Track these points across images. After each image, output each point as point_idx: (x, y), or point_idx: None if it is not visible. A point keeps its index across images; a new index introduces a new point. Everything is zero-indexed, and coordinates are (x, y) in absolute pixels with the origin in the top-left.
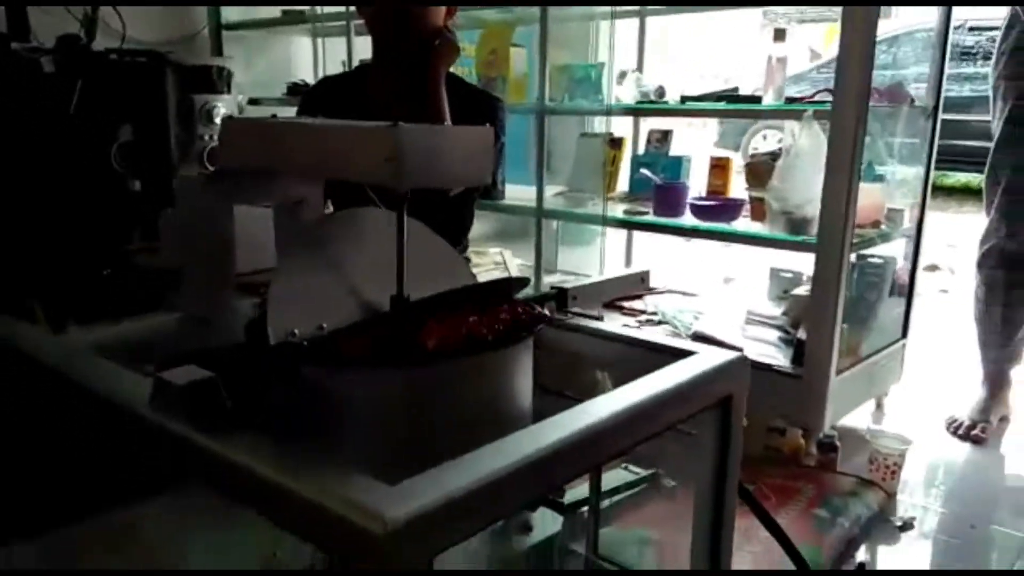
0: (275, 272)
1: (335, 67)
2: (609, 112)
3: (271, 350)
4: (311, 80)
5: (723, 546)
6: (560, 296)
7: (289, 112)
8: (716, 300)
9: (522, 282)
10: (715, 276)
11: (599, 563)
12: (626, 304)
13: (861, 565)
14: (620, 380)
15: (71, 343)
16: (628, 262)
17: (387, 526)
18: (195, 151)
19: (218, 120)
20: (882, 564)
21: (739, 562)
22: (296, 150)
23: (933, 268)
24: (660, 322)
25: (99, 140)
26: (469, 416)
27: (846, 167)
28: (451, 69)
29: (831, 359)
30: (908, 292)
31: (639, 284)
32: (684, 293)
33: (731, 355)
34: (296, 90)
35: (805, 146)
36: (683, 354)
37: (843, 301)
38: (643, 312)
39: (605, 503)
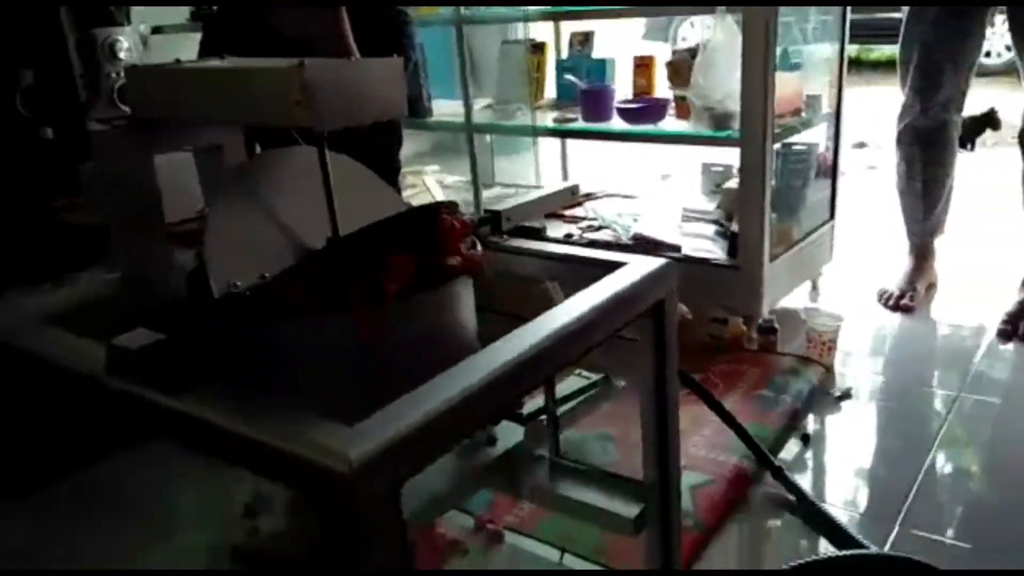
0: (207, 224)
1: None
2: (527, 19)
3: (216, 305)
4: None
5: (670, 436)
6: (494, 219)
7: (196, 39)
8: (654, 200)
9: (450, 206)
10: (652, 174)
11: (563, 463)
12: (567, 212)
13: (805, 436)
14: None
15: (15, 313)
16: (564, 168)
17: (352, 464)
18: (105, 89)
19: (123, 55)
20: (825, 430)
21: (693, 446)
22: (204, 97)
23: (861, 145)
24: (601, 227)
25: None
26: (420, 350)
27: (760, 60)
28: None
29: (763, 247)
30: (833, 174)
31: (570, 197)
32: (622, 196)
33: (658, 263)
34: (198, 15)
35: (721, 41)
36: (615, 266)
37: (770, 192)
38: (584, 219)
39: (562, 409)
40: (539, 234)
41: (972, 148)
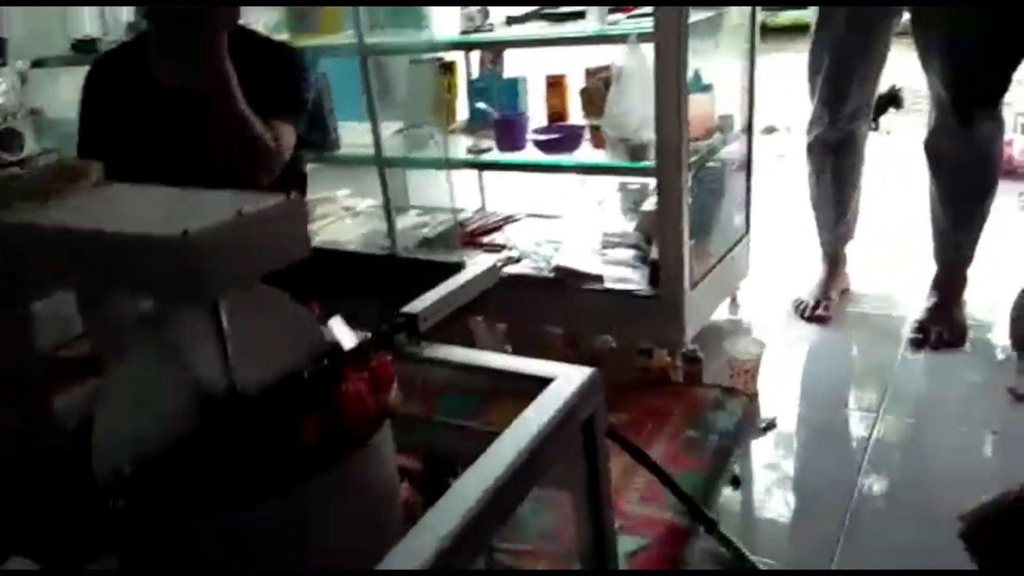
0: (98, 402)
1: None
2: (434, 48)
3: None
4: (96, 32)
5: (606, 538)
6: (409, 323)
7: (79, 73)
8: (573, 221)
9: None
10: (571, 192)
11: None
12: (485, 239)
13: (735, 479)
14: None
15: None
16: (481, 189)
17: None
18: None
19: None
20: (754, 469)
21: (628, 502)
22: (78, 264)
23: (770, 130)
24: (521, 258)
25: None
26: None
27: (673, 85)
28: None
29: (683, 277)
30: (747, 188)
31: (493, 277)
32: (542, 216)
33: (586, 374)
34: (81, 46)
35: (634, 69)
36: (542, 381)
37: (687, 221)
38: (503, 247)
39: None
40: (458, 269)
41: (876, 128)
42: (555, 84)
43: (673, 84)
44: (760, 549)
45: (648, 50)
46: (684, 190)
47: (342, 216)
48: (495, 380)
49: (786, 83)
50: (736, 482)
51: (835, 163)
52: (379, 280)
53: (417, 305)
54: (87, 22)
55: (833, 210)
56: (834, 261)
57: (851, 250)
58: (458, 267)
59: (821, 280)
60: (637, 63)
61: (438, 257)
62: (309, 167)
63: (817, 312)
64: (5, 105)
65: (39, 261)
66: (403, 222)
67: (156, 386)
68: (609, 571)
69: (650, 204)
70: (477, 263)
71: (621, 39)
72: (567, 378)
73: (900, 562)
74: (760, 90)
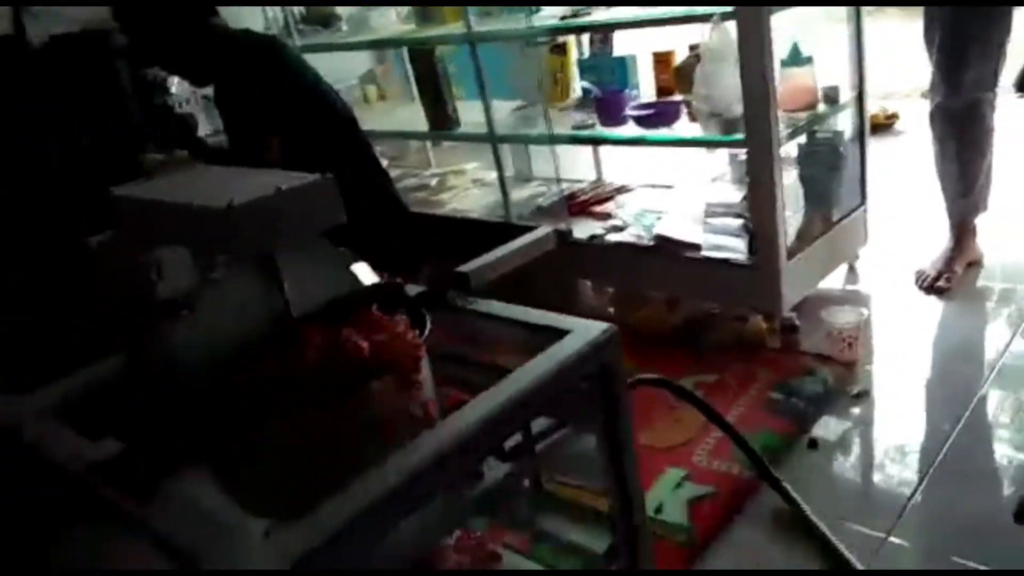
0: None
1: None
2: (534, 33)
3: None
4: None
5: (629, 482)
6: (461, 279)
7: None
8: (686, 192)
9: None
10: (686, 165)
11: (543, 495)
12: (596, 209)
13: (812, 441)
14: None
15: (31, 403)
16: (597, 161)
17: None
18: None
19: (173, 89)
20: (834, 434)
21: (697, 455)
22: (154, 228)
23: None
24: (624, 226)
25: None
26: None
27: (759, 62)
28: None
29: (779, 247)
30: (861, 159)
31: (546, 244)
32: (658, 186)
33: (600, 329)
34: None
35: (718, 47)
36: (561, 333)
37: (782, 193)
38: (610, 216)
39: (540, 445)
40: (563, 237)
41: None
42: (662, 61)
43: (757, 60)
44: (825, 511)
45: (734, 27)
46: (776, 163)
47: (469, 187)
48: (529, 332)
49: (897, 52)
50: (813, 444)
51: (958, 132)
52: (492, 244)
53: (469, 265)
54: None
55: (958, 180)
56: (960, 233)
57: (984, 221)
58: (564, 234)
59: (945, 251)
60: (722, 41)
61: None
62: (438, 145)
63: (937, 284)
64: (180, 93)
65: (140, 225)
66: (523, 192)
67: (229, 318)
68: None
69: None
70: (531, 232)
71: (706, 19)
72: (582, 331)
73: (962, 535)
74: (871, 62)
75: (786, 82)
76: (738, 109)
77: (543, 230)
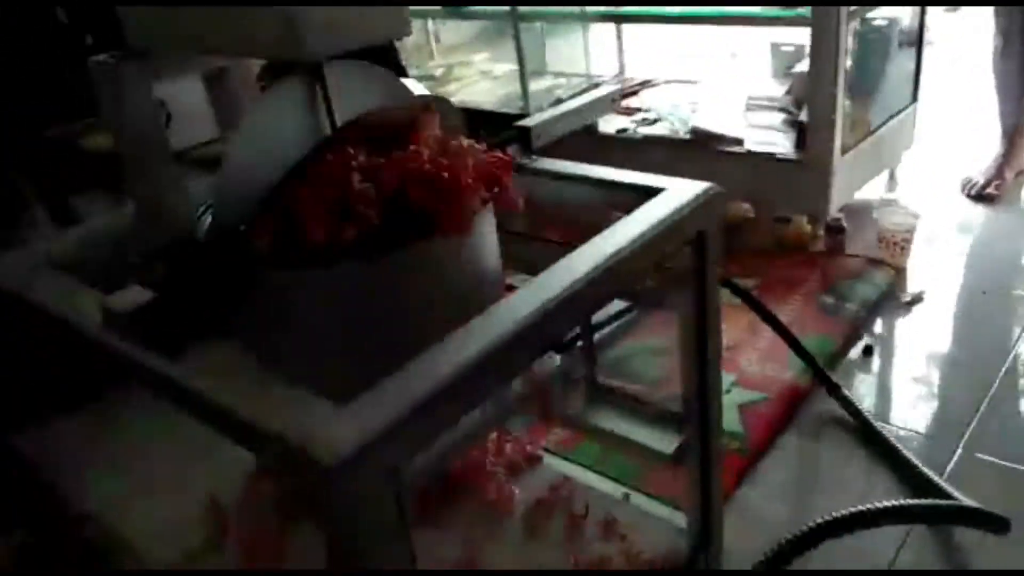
0: (220, 163)
1: None
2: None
3: (208, 255)
4: None
5: (710, 368)
6: (522, 136)
7: None
8: (716, 85)
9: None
10: (716, 54)
11: (600, 390)
12: (622, 103)
13: (868, 347)
14: (592, 224)
15: (28, 257)
16: (620, 52)
17: (338, 457)
18: None
19: None
20: (890, 341)
21: (747, 360)
22: (201, 31)
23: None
24: (656, 120)
25: None
26: (427, 303)
27: None
28: None
29: (834, 140)
30: (918, 50)
31: (610, 105)
32: (683, 81)
33: (702, 187)
34: None
35: None
36: (652, 192)
37: (843, 79)
38: (639, 110)
39: (598, 335)
40: (589, 129)
41: None
42: None
43: None
44: (888, 417)
45: None
46: (842, 45)
47: (478, 79)
48: (607, 191)
49: None
50: (868, 350)
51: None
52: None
53: (532, 120)
54: None
55: (1018, 79)
56: (1013, 138)
57: None
58: (589, 126)
59: (996, 157)
60: None
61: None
62: (443, 25)
63: (987, 191)
64: None
65: (168, 33)
66: (538, 84)
67: (276, 137)
68: None
69: (804, 65)
70: (596, 88)
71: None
72: (679, 191)
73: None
74: None
75: None
76: None
77: (608, 88)
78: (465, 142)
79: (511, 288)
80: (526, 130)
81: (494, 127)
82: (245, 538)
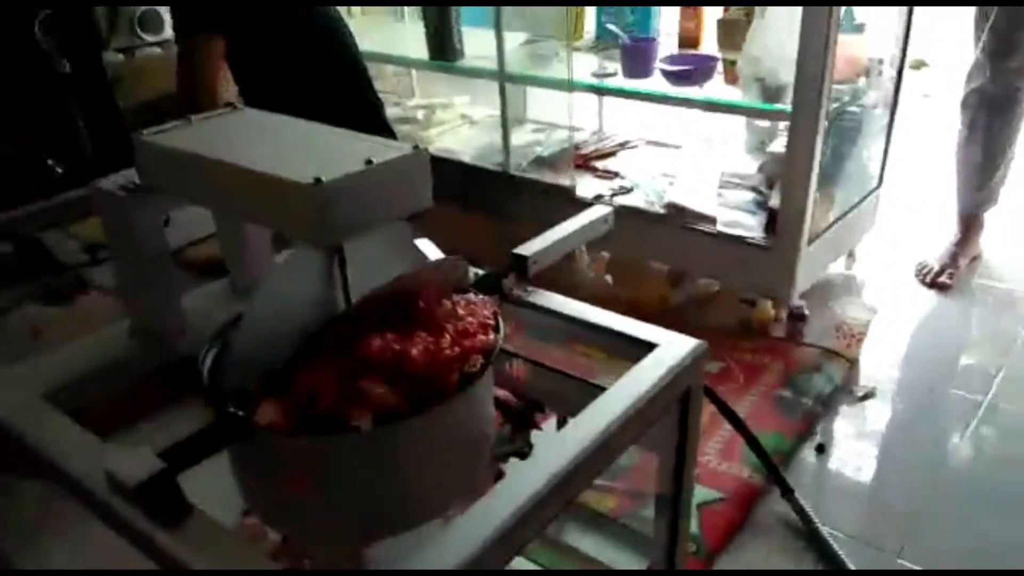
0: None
1: None
2: None
3: (220, 422)
4: None
5: (681, 506)
6: (518, 263)
7: None
8: (693, 156)
9: (455, 267)
10: (694, 123)
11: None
12: (599, 164)
13: (820, 446)
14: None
15: (17, 383)
16: (600, 114)
17: None
18: (124, 19)
19: None
20: (842, 438)
21: (706, 454)
22: (216, 191)
23: (919, 65)
24: (632, 189)
25: (20, 15)
26: (422, 477)
27: (822, 28)
28: None
29: (802, 232)
30: (887, 136)
31: (603, 226)
32: (662, 145)
33: (691, 345)
34: None
35: (778, 8)
36: (646, 346)
37: (816, 174)
38: (616, 175)
39: None
40: (568, 194)
41: None
42: (691, 9)
43: (823, 22)
44: (833, 520)
45: None
46: (818, 139)
47: (459, 124)
48: (599, 337)
49: (939, 18)
50: (821, 449)
51: (989, 120)
52: (491, 195)
53: (528, 248)
54: None
55: (978, 171)
56: (969, 226)
57: (991, 217)
58: (567, 190)
59: (951, 244)
60: None
61: (550, 179)
62: (429, 75)
63: (940, 279)
64: None
65: (181, 181)
66: (518, 137)
67: (285, 314)
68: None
69: (778, 145)
70: (591, 210)
71: None
72: (672, 346)
73: (964, 555)
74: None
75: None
76: (786, 76)
77: (602, 209)
78: (462, 301)
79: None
80: (523, 259)
81: (474, 182)
82: None
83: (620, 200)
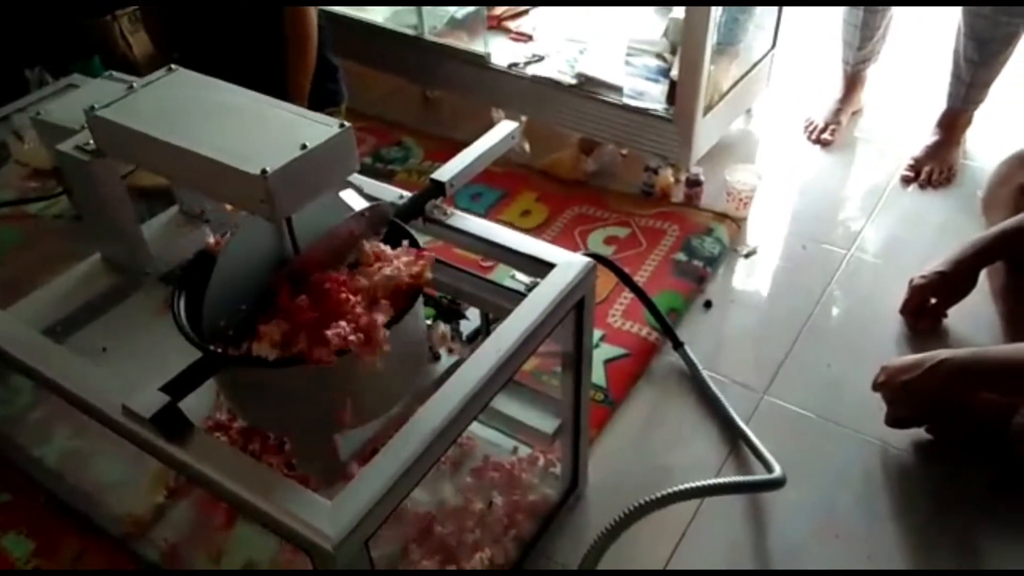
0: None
1: None
2: None
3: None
4: None
5: (583, 389)
6: (437, 188)
7: None
8: (606, 16)
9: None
10: None
11: None
12: (512, 26)
13: (708, 302)
14: None
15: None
16: None
17: (333, 542)
18: None
19: None
20: (726, 294)
21: (612, 315)
22: (170, 168)
23: None
24: (544, 58)
25: None
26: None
27: None
28: None
29: (697, 105)
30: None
31: (511, 140)
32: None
33: (582, 264)
34: None
35: None
36: (546, 264)
37: (710, 53)
38: (529, 38)
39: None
40: (482, 60)
41: None
42: None
43: None
44: (716, 366)
45: None
46: (712, 26)
47: None
48: (507, 256)
49: None
50: (708, 305)
51: None
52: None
53: (444, 173)
54: None
55: (859, 31)
56: (851, 83)
57: (872, 72)
58: (482, 57)
59: (835, 101)
60: None
61: (465, 44)
62: None
63: (823, 136)
64: None
65: (136, 155)
66: None
67: (246, 265)
68: None
69: (680, 11)
70: (498, 128)
71: None
72: (569, 266)
73: (822, 397)
74: None
75: None
76: None
77: (508, 125)
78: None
79: None
80: (441, 184)
81: (390, 45)
82: None
83: (533, 70)
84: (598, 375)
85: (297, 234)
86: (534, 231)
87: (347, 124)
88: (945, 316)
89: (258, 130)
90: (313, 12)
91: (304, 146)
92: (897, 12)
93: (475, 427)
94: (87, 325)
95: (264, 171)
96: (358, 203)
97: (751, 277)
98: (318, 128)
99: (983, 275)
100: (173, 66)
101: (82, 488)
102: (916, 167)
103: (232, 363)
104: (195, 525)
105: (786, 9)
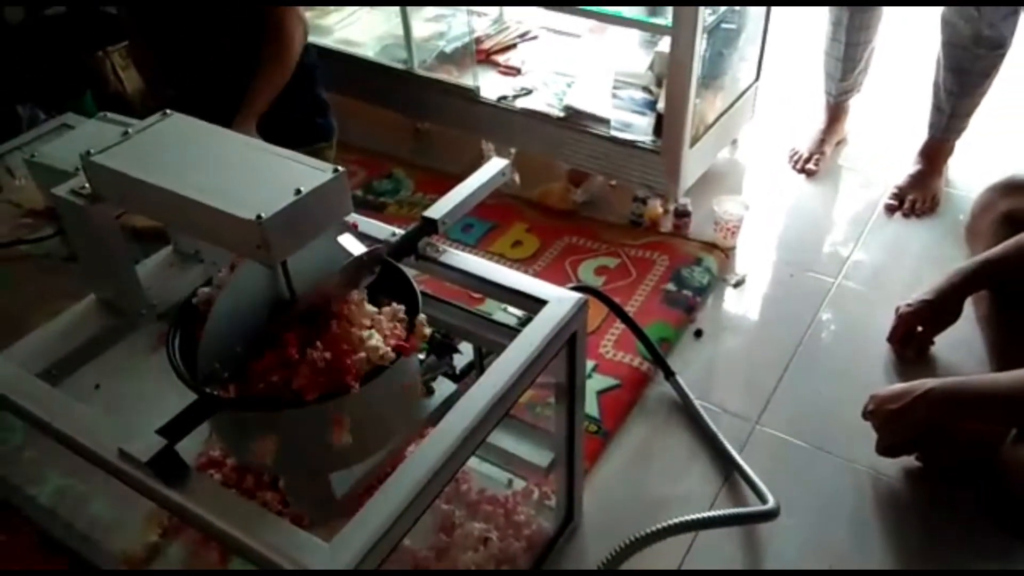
0: (207, 324)
1: None
2: None
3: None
4: None
5: (576, 420)
6: (429, 225)
7: None
8: (590, 49)
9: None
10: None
11: None
12: (501, 60)
13: (699, 331)
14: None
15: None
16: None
17: None
18: None
19: None
20: (716, 323)
21: (603, 346)
22: (167, 214)
23: None
24: (533, 91)
25: None
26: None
27: None
28: None
29: (684, 135)
30: (763, 38)
31: (501, 177)
32: (559, 32)
33: (574, 300)
34: None
35: None
36: (539, 302)
37: (695, 87)
38: (518, 72)
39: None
40: (472, 94)
41: None
42: None
43: None
44: (708, 396)
45: None
46: (697, 58)
47: (358, 9)
48: (500, 293)
49: None
50: (699, 334)
51: (851, 17)
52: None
53: (437, 211)
54: None
55: (841, 63)
56: (834, 114)
57: (855, 103)
58: (472, 91)
59: (818, 131)
60: None
61: (454, 78)
62: None
63: (807, 166)
64: None
65: (133, 201)
66: (420, 30)
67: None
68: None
69: (664, 45)
70: (489, 164)
71: None
72: (560, 301)
73: (813, 424)
74: None
75: None
76: None
77: (499, 162)
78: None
79: None
80: (433, 221)
81: (380, 79)
82: None
83: (522, 103)
84: (591, 406)
85: (292, 276)
86: (525, 262)
87: (340, 169)
88: (932, 344)
89: (252, 175)
90: (297, 15)
91: (298, 191)
92: (879, 45)
93: (470, 461)
94: (83, 366)
95: (259, 216)
96: (356, 247)
97: (740, 306)
98: (311, 173)
99: (969, 303)
100: (168, 111)
101: (76, 527)
102: (899, 196)
103: (228, 406)
104: (189, 564)
105: (769, 41)
